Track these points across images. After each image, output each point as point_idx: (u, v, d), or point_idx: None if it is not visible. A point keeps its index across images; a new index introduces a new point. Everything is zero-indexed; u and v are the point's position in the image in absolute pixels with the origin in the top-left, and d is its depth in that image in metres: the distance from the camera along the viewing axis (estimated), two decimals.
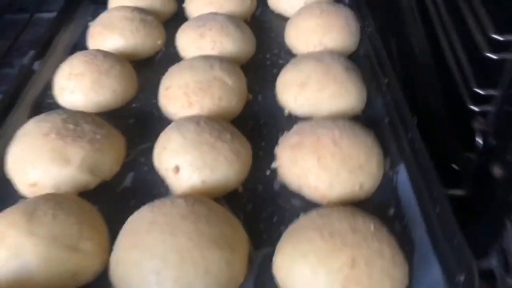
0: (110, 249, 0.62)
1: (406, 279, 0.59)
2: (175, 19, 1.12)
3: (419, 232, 0.66)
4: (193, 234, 0.57)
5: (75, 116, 0.74)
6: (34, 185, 0.69)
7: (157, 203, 0.63)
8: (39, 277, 0.56)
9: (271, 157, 0.77)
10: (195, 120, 0.74)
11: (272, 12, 1.12)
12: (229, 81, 0.83)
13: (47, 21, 1.24)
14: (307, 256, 0.58)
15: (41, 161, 0.69)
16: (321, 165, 0.69)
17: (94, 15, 1.10)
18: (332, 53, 0.86)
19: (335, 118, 0.75)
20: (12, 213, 0.60)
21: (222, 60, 0.86)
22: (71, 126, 0.72)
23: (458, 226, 0.61)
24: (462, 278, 0.57)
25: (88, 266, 0.59)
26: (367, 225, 0.60)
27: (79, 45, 1.06)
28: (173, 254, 0.56)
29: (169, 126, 0.77)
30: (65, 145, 0.69)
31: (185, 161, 0.70)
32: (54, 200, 0.62)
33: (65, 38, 1.06)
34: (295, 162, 0.71)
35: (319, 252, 0.57)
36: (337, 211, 0.62)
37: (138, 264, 0.56)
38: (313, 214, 0.64)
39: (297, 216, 0.68)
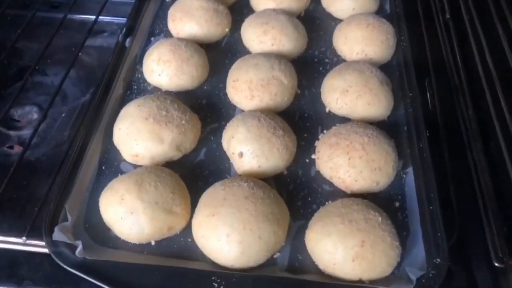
0: (191, 212, 0.87)
1: (398, 258, 0.83)
2: (239, 4, 1.32)
3: (415, 223, 0.89)
4: (253, 211, 0.82)
5: (166, 103, 0.97)
6: (136, 155, 0.94)
7: (227, 183, 0.87)
8: (147, 228, 0.82)
9: (311, 147, 1.00)
10: (257, 116, 0.96)
11: (323, 10, 1.30)
12: (284, 80, 1.04)
13: (80, 24, 1.35)
14: (331, 234, 0.82)
15: (142, 140, 0.93)
16: (350, 163, 0.91)
17: None
18: (371, 67, 1.06)
19: (366, 126, 0.96)
20: (127, 181, 0.85)
21: (281, 61, 1.07)
22: (163, 113, 0.95)
23: (442, 223, 0.85)
24: (438, 261, 0.81)
25: (178, 223, 0.85)
26: (377, 217, 0.83)
27: (157, 21, 1.27)
28: (239, 224, 0.81)
29: (236, 117, 0.99)
30: (160, 128, 0.93)
31: (247, 150, 0.93)
32: (155, 173, 0.87)
33: (146, 15, 1.27)
34: (330, 158, 0.94)
35: (339, 232, 0.81)
36: (356, 204, 0.86)
37: (215, 227, 0.81)
38: (338, 203, 0.87)
39: (326, 198, 0.92)
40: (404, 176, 0.96)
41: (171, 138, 0.93)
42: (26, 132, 1.18)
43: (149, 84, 1.10)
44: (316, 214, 0.88)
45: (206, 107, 1.07)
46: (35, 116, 1.23)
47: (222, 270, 0.81)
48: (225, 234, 0.80)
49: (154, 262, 0.82)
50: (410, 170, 0.96)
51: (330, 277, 0.82)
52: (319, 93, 1.10)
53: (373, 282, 0.81)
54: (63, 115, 1.24)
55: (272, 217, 0.83)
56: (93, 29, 1.34)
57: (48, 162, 1.12)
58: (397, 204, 0.93)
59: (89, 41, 1.36)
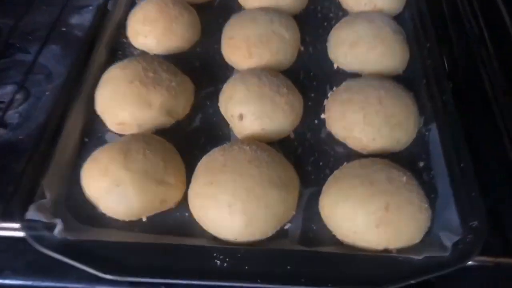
0: (187, 183, 0.76)
1: (429, 222, 0.72)
2: None
3: (443, 183, 0.78)
4: (257, 176, 0.71)
5: (153, 65, 0.86)
6: (121, 124, 0.83)
7: (226, 147, 0.76)
8: (136, 202, 0.71)
9: (319, 107, 0.89)
10: (257, 74, 0.84)
11: None
12: (286, 35, 0.93)
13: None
14: (348, 199, 0.71)
15: (128, 105, 0.81)
16: (366, 120, 0.80)
17: None
18: (382, 15, 0.94)
19: (381, 78, 0.85)
20: (111, 150, 0.74)
21: (281, 15, 0.95)
22: (151, 74, 0.84)
23: (476, 181, 0.74)
24: (475, 224, 0.70)
25: (172, 195, 0.74)
26: (401, 177, 0.72)
27: None
28: (241, 191, 0.70)
29: (234, 77, 0.88)
30: (148, 92, 0.82)
31: (248, 111, 0.81)
32: (143, 140, 0.76)
33: None
34: (343, 115, 0.82)
35: (359, 196, 0.70)
36: (376, 163, 0.75)
37: (214, 197, 0.70)
38: (355, 164, 0.76)
39: (341, 162, 0.81)
40: (426, 133, 0.85)
41: (160, 102, 0.82)
42: (8, 112, 1.07)
43: (135, 49, 0.99)
44: (330, 178, 0.77)
45: (200, 70, 0.96)
46: (18, 96, 1.13)
47: (225, 245, 0.70)
48: (226, 204, 0.69)
49: (147, 240, 0.71)
50: (433, 126, 0.85)
51: (350, 247, 0.71)
52: (325, 49, 0.98)
53: (401, 251, 0.70)
54: (47, 93, 1.13)
55: (279, 182, 0.72)
56: (78, 4, 1.24)
57: (30, 143, 1.02)
58: (421, 164, 0.81)
59: (75, 19, 1.26)
